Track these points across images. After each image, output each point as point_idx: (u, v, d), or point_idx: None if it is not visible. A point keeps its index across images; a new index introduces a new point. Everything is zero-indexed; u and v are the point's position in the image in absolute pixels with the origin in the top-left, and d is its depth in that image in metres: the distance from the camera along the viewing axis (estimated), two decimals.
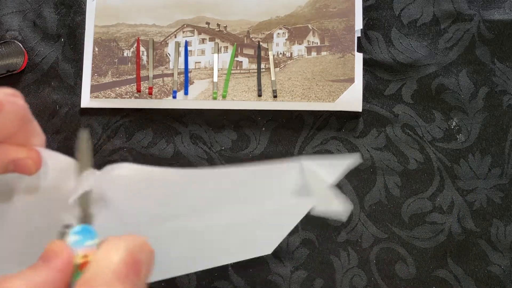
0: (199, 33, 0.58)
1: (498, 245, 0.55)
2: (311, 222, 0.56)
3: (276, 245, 0.42)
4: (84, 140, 0.29)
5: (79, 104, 0.57)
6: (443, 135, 0.56)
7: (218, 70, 0.58)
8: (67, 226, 0.28)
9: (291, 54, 0.58)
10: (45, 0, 0.59)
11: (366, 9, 0.58)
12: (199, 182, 0.35)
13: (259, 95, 0.57)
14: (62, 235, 0.28)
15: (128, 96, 0.57)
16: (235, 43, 0.58)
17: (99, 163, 0.57)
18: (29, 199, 0.32)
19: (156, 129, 0.57)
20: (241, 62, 0.58)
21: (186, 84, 0.57)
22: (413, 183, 0.56)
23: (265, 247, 0.42)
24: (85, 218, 0.29)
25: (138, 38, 0.58)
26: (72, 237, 0.27)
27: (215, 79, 0.57)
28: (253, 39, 0.58)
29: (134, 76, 0.58)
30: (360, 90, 0.56)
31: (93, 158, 0.32)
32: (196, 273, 0.55)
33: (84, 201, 0.29)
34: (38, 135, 0.30)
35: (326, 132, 0.57)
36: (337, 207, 0.35)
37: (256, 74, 0.57)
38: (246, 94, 0.57)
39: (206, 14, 0.59)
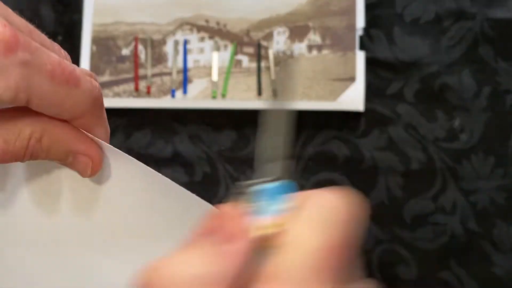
0: (198, 31, 0.58)
1: (501, 246, 0.54)
2: None
3: None
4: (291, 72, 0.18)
5: None
6: (445, 135, 0.56)
7: (218, 69, 0.57)
8: (259, 182, 0.20)
9: (292, 52, 0.57)
10: None
11: (367, 7, 0.57)
12: None
13: (259, 94, 0.56)
14: (245, 191, 0.20)
15: (126, 95, 0.57)
16: (235, 41, 0.57)
17: None
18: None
19: (155, 129, 0.57)
20: (241, 60, 0.57)
21: (185, 83, 0.57)
22: (415, 183, 0.55)
23: None
24: (282, 167, 0.20)
25: (137, 36, 0.58)
26: (262, 202, 0.19)
27: (215, 78, 0.57)
28: (253, 37, 0.58)
29: (132, 75, 0.57)
30: (362, 89, 0.56)
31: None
32: None
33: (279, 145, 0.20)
34: (104, 127, 0.27)
35: (327, 132, 0.56)
36: None
37: (256, 72, 0.57)
38: (246, 93, 0.56)
39: (205, 12, 0.58)
